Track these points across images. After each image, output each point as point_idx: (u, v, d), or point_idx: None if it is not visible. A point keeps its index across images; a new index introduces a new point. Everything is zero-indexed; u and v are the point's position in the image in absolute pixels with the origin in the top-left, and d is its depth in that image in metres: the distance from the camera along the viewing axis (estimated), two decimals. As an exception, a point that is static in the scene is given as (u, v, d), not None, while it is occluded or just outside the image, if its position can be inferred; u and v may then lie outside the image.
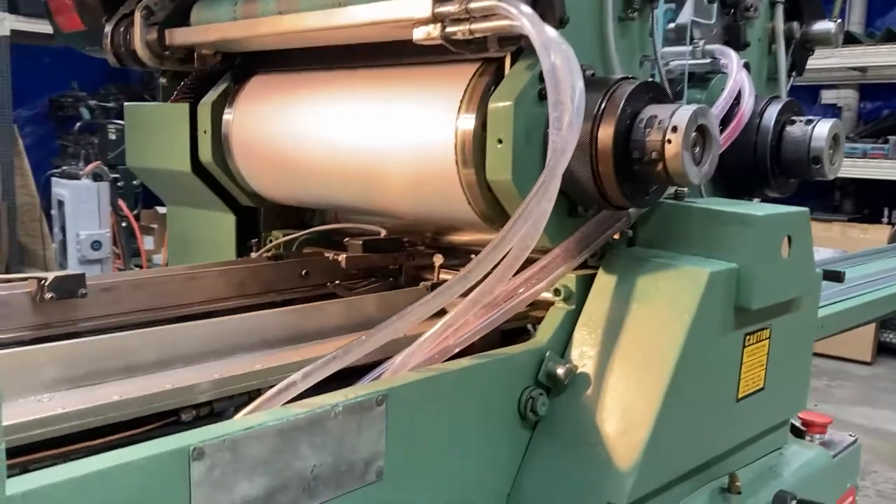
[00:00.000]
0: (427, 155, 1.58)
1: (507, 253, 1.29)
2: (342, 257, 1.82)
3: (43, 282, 1.48)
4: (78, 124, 8.17)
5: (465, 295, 1.36)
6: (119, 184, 6.50)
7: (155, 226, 7.46)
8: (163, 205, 6.89)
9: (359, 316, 1.55)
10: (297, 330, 1.45)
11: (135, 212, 6.59)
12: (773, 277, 1.58)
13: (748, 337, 1.62)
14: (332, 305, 1.54)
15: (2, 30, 7.61)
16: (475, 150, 1.49)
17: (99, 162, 6.39)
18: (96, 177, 6.05)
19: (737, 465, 1.71)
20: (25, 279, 1.49)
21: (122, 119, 7.75)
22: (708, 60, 1.79)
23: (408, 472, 1.30)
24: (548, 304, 1.63)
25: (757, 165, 1.81)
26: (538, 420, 1.51)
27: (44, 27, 7.82)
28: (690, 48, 1.76)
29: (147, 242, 7.07)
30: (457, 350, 1.43)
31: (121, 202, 6.25)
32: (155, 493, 0.99)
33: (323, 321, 1.49)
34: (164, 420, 1.18)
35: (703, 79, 1.85)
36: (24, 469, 0.99)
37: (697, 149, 1.40)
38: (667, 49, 1.76)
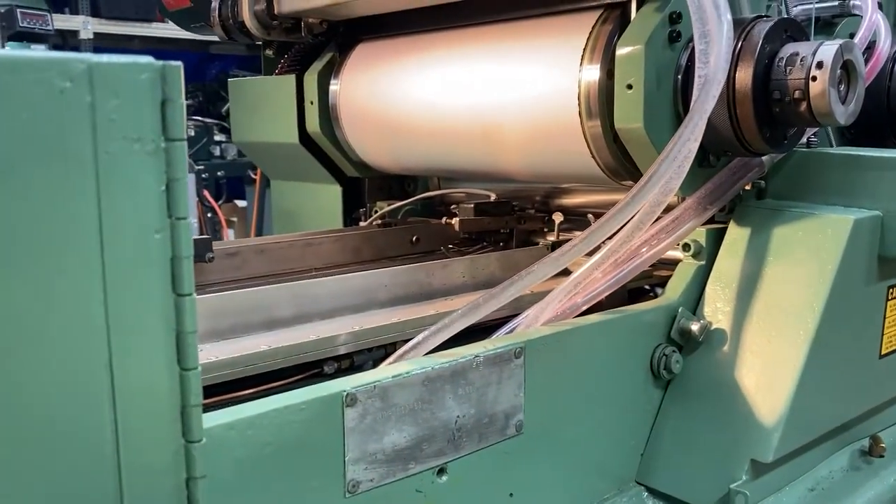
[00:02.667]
0: (548, 109, 1.54)
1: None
2: (455, 221, 1.80)
3: (172, 246, 1.49)
4: (159, 122, 8.35)
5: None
6: (203, 176, 6.65)
7: (235, 219, 7.62)
8: (243, 198, 6.97)
9: (483, 274, 1.53)
10: (424, 286, 1.43)
11: (219, 202, 6.73)
12: (919, 226, 1.49)
13: (891, 290, 1.53)
14: (457, 262, 1.52)
15: (85, 34, 7.87)
16: (601, 100, 1.45)
17: (184, 153, 6.53)
18: (181, 170, 6.16)
19: (877, 428, 1.63)
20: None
21: (199, 116, 7.89)
22: (836, 3, 1.70)
23: (546, 427, 1.27)
24: (670, 263, 1.58)
25: (891, 114, 1.71)
26: (670, 379, 1.46)
27: (124, 29, 8.07)
28: (817, -10, 1.67)
29: (229, 235, 7.22)
30: (584, 308, 1.40)
31: (205, 193, 6.39)
32: (312, 438, 0.99)
33: (449, 278, 1.48)
34: (307, 372, 1.18)
35: (829, 24, 1.76)
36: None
37: (843, 86, 1.32)
38: (791, -7, 1.68)
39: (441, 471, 1.14)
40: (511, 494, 1.24)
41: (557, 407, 1.29)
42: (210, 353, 1.09)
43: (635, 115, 1.38)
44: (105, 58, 0.61)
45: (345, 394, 1.01)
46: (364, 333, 1.22)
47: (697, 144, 1.20)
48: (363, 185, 2.17)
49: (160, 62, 0.63)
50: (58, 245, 0.60)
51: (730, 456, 1.36)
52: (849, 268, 1.40)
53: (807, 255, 1.41)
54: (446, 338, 1.21)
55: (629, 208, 1.20)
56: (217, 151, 7.81)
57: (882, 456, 1.57)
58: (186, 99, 6.14)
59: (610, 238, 1.32)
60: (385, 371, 1.08)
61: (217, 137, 7.34)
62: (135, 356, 0.64)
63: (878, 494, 1.51)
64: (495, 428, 1.20)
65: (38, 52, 0.59)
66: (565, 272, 1.35)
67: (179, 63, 0.64)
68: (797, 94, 1.29)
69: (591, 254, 1.35)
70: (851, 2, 1.67)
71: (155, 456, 0.66)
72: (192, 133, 7.88)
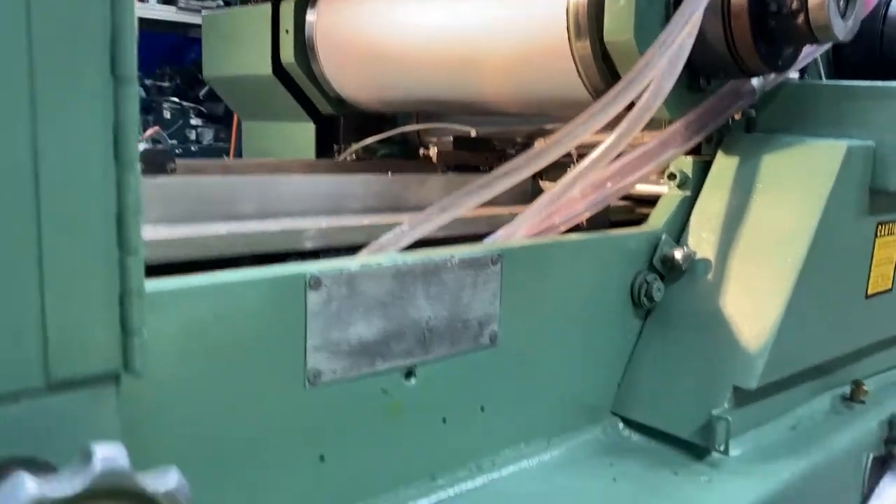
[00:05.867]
0: (534, 30, 1.48)
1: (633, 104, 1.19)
2: (433, 152, 1.73)
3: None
4: (134, 102, 8.19)
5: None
6: (177, 151, 6.52)
7: (209, 200, 7.52)
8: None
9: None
10: (400, 200, 1.37)
11: (192, 178, 6.61)
12: (913, 158, 1.44)
13: (880, 227, 1.49)
14: (435, 178, 1.45)
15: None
16: (590, 18, 1.39)
17: (157, 127, 6.40)
18: (154, 142, 6.06)
19: (859, 374, 1.58)
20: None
21: (177, 97, 7.76)
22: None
23: (520, 342, 1.21)
24: (655, 199, 1.52)
25: (883, 56, 1.68)
26: (651, 308, 1.40)
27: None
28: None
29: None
30: (562, 230, 1.34)
31: (178, 168, 6.26)
32: (272, 316, 0.92)
33: (424, 194, 1.41)
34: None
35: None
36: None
37: (842, 1, 1.28)
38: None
39: (409, 373, 1.07)
40: (482, 408, 1.17)
41: (533, 323, 1.23)
42: (163, 233, 1.01)
43: (626, 26, 1.32)
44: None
45: (308, 276, 0.94)
46: (333, 232, 1.14)
47: (692, 42, 1.14)
48: (338, 126, 2.09)
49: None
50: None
51: (712, 384, 1.30)
52: (840, 197, 1.35)
53: (797, 182, 1.36)
54: (417, 237, 1.14)
55: (620, 100, 1.14)
56: (193, 135, 7.70)
57: (863, 402, 1.53)
58: (164, 81, 5.84)
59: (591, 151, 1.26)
60: (353, 261, 1.01)
61: (193, 121, 7.23)
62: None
63: (859, 438, 1.46)
64: (468, 335, 1.13)
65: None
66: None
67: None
68: (795, 5, 1.24)
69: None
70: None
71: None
72: (169, 115, 7.78)
